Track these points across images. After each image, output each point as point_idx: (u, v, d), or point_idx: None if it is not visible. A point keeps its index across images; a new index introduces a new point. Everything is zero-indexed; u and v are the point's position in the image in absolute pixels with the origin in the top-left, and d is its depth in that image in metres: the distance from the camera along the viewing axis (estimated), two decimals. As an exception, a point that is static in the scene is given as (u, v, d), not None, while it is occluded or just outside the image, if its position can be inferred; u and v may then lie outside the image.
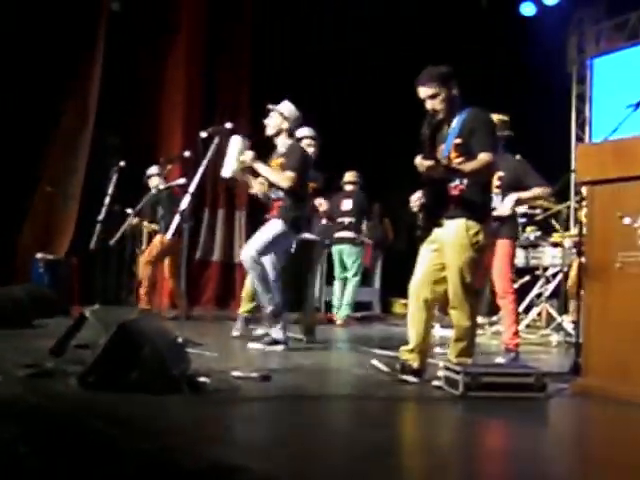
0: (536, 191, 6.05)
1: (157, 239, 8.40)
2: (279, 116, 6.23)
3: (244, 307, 6.85)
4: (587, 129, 12.01)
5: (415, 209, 4.60)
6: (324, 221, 9.75)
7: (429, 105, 4.58)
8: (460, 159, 4.44)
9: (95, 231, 7.99)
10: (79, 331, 4.54)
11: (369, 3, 11.37)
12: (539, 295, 8.56)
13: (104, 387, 3.69)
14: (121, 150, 9.76)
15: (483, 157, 4.41)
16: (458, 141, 4.50)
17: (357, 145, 11.66)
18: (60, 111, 10.31)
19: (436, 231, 4.59)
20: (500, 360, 5.96)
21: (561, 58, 12.19)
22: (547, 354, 6.86)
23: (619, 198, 4.24)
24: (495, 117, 6.25)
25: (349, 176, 10.06)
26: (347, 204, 9.95)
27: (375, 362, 4.68)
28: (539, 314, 8.73)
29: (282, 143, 6.29)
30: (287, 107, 6.27)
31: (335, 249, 10.03)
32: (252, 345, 5.98)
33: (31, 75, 9.69)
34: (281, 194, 6.16)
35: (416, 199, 4.57)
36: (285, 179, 6.06)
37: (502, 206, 6.01)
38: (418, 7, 11.50)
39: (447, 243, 4.50)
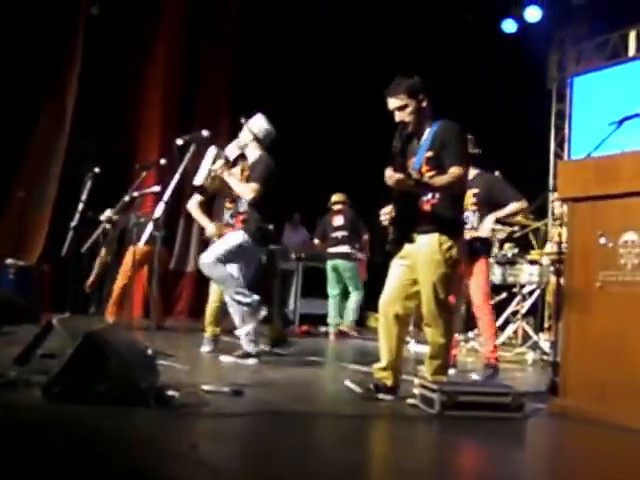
0: (512, 207, 6.08)
1: (131, 249, 8.27)
2: (249, 133, 6.17)
3: (210, 330, 6.69)
4: (566, 147, 12.02)
5: (385, 223, 4.51)
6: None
7: (398, 117, 4.49)
8: (431, 173, 4.37)
9: (67, 238, 7.85)
10: (45, 340, 4.40)
11: (354, 8, 11.34)
12: (515, 313, 8.51)
13: (69, 399, 3.57)
14: (97, 156, 9.61)
15: (454, 171, 4.32)
16: (429, 154, 4.43)
17: (335, 156, 11.61)
18: (36, 116, 10.15)
19: (407, 246, 4.47)
20: (475, 377, 5.91)
21: (542, 76, 12.22)
22: (523, 372, 6.80)
23: (600, 216, 4.18)
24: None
25: (336, 197, 10.18)
26: (339, 220, 10.03)
27: (348, 383, 4.54)
28: (515, 332, 8.67)
29: (251, 154, 6.21)
30: (257, 123, 6.20)
31: (330, 264, 10.01)
32: (224, 358, 5.85)
33: (8, 79, 9.54)
34: (245, 206, 6.10)
35: (386, 213, 4.48)
36: (249, 191, 5.96)
37: (482, 227, 6.04)
38: (402, 20, 11.48)
39: (420, 259, 4.40)
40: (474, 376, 5.97)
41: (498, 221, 6.14)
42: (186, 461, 2.66)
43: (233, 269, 5.92)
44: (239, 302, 5.84)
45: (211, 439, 3.19)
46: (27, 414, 3.39)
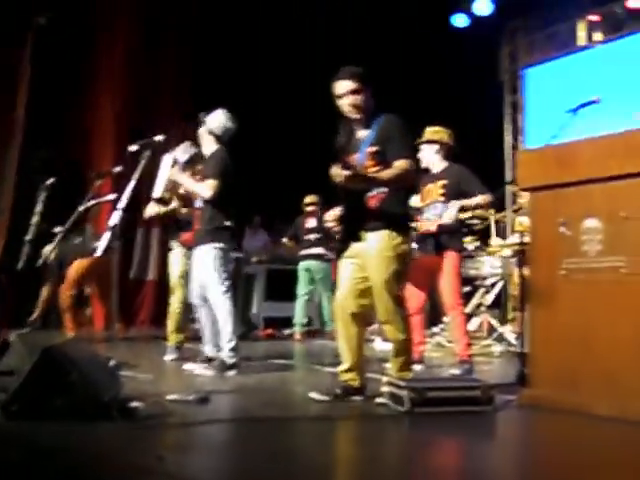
0: (479, 198, 5.99)
1: (76, 262, 8.12)
2: (205, 128, 5.93)
3: (173, 339, 6.56)
4: (521, 138, 12.09)
5: (330, 224, 4.42)
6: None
7: (348, 101, 4.35)
8: (376, 168, 4.27)
9: (23, 251, 7.68)
10: (2, 357, 4.27)
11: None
12: (479, 305, 8.51)
13: (29, 416, 3.45)
14: (50, 166, 9.44)
15: (401, 164, 4.22)
16: (373, 149, 4.32)
17: (295, 157, 11.53)
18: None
19: (356, 245, 4.38)
20: (455, 372, 5.90)
21: (494, 68, 12.29)
22: (490, 365, 6.78)
23: (561, 204, 4.17)
24: (443, 129, 6.28)
25: (309, 199, 10.15)
26: (312, 222, 9.98)
27: (314, 395, 4.34)
28: (480, 324, 8.68)
29: (207, 149, 5.95)
30: (216, 119, 5.92)
31: (302, 266, 9.94)
32: (199, 371, 5.57)
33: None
34: (202, 204, 5.84)
35: (332, 219, 4.40)
36: (206, 188, 5.69)
37: (446, 214, 5.96)
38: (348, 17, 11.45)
39: (370, 257, 4.30)
40: (453, 371, 5.93)
41: (463, 210, 6.07)
42: (154, 474, 2.57)
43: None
44: (224, 341, 5.58)
45: (178, 450, 3.09)
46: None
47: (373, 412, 4.04)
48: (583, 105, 4.58)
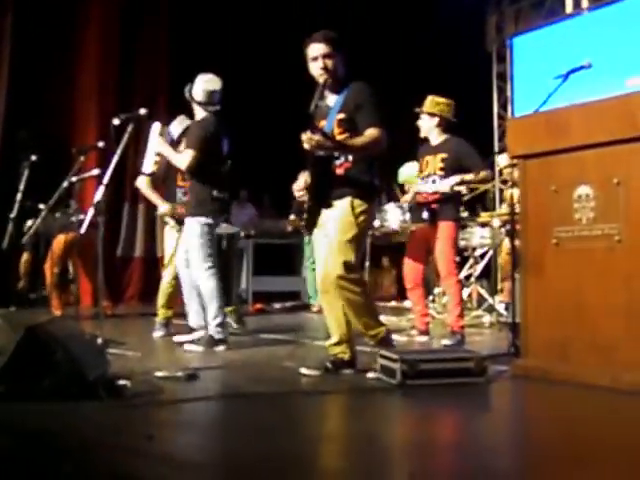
0: (482, 174, 5.96)
1: (59, 238, 8.02)
2: (189, 99, 5.76)
3: (162, 314, 6.49)
4: (509, 108, 12.01)
5: (298, 195, 4.38)
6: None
7: (320, 64, 4.30)
8: (344, 135, 4.23)
9: (7, 230, 7.59)
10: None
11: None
12: (469, 276, 8.48)
13: (15, 397, 3.39)
14: (33, 144, 9.31)
15: (372, 132, 4.18)
16: (341, 116, 4.28)
17: (280, 129, 11.41)
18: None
19: (324, 213, 4.35)
20: (446, 342, 5.88)
21: (481, 38, 12.18)
22: (481, 335, 6.76)
23: (552, 171, 4.11)
24: (444, 100, 6.22)
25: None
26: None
27: (304, 370, 4.29)
28: (469, 295, 8.66)
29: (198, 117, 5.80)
30: (196, 88, 5.73)
31: (307, 239, 9.78)
32: (189, 347, 5.49)
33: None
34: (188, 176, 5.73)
35: (300, 188, 4.35)
36: (183, 159, 5.55)
37: (441, 183, 5.92)
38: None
39: (332, 220, 4.27)
40: (444, 342, 5.91)
41: (463, 183, 6.02)
42: (144, 454, 2.51)
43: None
44: (211, 316, 5.50)
45: (168, 428, 3.04)
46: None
47: (364, 385, 3.99)
48: (573, 70, 4.51)
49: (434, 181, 6.06)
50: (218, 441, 2.87)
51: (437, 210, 6.03)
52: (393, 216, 6.65)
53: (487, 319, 7.61)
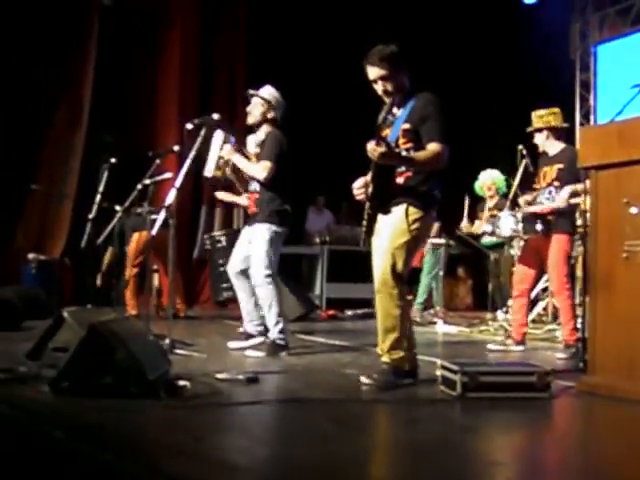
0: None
1: (134, 237, 8.19)
2: (263, 103, 5.79)
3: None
4: (592, 117, 11.73)
5: (359, 198, 4.35)
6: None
7: (380, 87, 4.31)
8: (408, 145, 4.22)
9: (86, 230, 7.81)
10: (56, 333, 4.31)
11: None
12: (545, 289, 8.31)
13: (77, 393, 3.48)
14: (115, 146, 9.56)
15: (433, 147, 4.14)
16: (406, 126, 4.25)
17: (359, 137, 11.41)
18: (54, 110, 10.09)
19: (381, 218, 4.32)
20: (561, 355, 5.87)
21: (564, 45, 11.93)
22: (553, 350, 6.59)
23: (624, 183, 3.99)
24: (547, 111, 6.15)
25: None
26: None
27: (363, 379, 4.22)
28: (545, 309, 8.48)
29: (265, 131, 5.82)
30: (269, 92, 5.82)
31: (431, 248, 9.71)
32: (250, 352, 5.50)
33: (24, 74, 9.50)
34: (258, 187, 5.76)
35: (360, 187, 4.32)
36: (260, 170, 5.61)
37: (558, 197, 5.86)
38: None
39: (385, 227, 4.26)
40: (559, 355, 5.89)
41: (575, 194, 5.93)
42: (187, 455, 2.53)
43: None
44: (272, 322, 5.53)
45: (218, 430, 3.06)
46: (32, 409, 3.29)
47: (423, 396, 3.94)
48: (651, 80, 4.37)
49: (550, 192, 5.99)
50: (267, 446, 2.87)
51: (552, 222, 5.97)
52: (506, 224, 6.69)
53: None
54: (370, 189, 4.26)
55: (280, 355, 5.43)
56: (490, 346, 6.33)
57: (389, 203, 4.27)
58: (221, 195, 6.71)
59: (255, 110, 5.84)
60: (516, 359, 5.75)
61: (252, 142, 5.99)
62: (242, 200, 6.31)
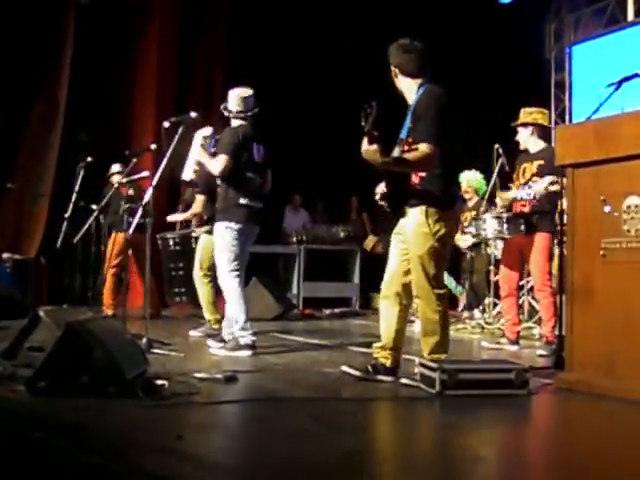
0: None
1: (112, 238, 8.11)
2: (225, 111, 5.75)
3: (211, 316, 6.53)
4: (567, 117, 11.79)
5: (377, 199, 4.35)
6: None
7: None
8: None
9: (62, 229, 7.75)
10: (32, 333, 4.28)
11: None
12: (521, 287, 8.33)
13: (53, 392, 3.44)
14: (90, 145, 9.49)
15: (422, 148, 4.08)
16: (410, 125, 4.25)
17: (337, 135, 11.40)
18: (30, 108, 9.99)
19: (401, 221, 4.32)
20: (541, 352, 5.89)
21: (539, 46, 11.99)
22: (530, 348, 6.63)
23: (602, 181, 4.01)
24: (536, 109, 6.20)
25: None
26: None
27: (345, 368, 4.34)
28: (520, 306, 8.50)
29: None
30: (231, 101, 5.71)
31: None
32: (216, 351, 5.49)
33: (-1, 72, 9.40)
34: (219, 181, 5.68)
35: (380, 190, 4.32)
36: (215, 165, 5.51)
37: (536, 185, 5.90)
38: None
39: (408, 232, 4.24)
40: (539, 352, 5.92)
41: (554, 183, 5.97)
42: (169, 454, 2.51)
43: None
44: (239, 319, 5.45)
45: (198, 429, 3.04)
46: (9, 409, 3.26)
47: (402, 393, 3.95)
48: (627, 79, 4.40)
49: (530, 187, 6.04)
50: (247, 444, 2.87)
51: (534, 221, 6.02)
52: (490, 226, 6.74)
53: (537, 331, 7.47)
54: (385, 190, 4.26)
55: (241, 354, 5.31)
56: (484, 344, 6.40)
57: (404, 204, 4.26)
58: (171, 218, 6.91)
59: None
60: (492, 356, 5.78)
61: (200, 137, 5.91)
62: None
